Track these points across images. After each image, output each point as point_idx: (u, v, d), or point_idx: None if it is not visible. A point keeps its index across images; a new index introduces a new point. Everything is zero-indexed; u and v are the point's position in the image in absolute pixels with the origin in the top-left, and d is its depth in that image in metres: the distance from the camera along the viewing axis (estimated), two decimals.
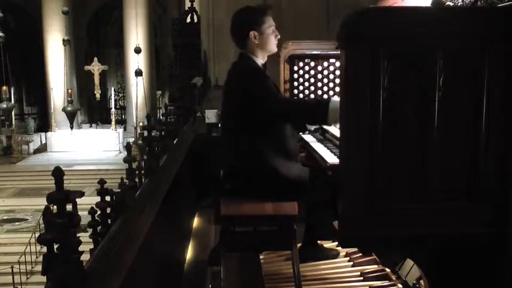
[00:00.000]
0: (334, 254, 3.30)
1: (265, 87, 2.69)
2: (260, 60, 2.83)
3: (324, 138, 2.98)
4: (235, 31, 2.84)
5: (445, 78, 1.78)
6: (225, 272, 2.92)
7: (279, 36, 2.85)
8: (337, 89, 3.39)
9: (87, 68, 20.31)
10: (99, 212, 2.61)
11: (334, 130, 2.90)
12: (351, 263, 3.28)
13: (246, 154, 2.78)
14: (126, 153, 3.39)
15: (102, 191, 2.70)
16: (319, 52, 3.42)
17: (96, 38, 25.54)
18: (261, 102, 2.66)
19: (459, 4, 2.19)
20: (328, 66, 3.42)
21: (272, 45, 2.83)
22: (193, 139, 6.55)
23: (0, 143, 19.44)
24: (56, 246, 1.88)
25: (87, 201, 2.73)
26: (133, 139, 16.79)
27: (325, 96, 3.44)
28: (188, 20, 13.77)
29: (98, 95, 20.12)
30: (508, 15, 1.78)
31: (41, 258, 2.01)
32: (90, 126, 22.38)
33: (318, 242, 3.30)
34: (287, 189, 2.74)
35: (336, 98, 2.59)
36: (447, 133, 1.81)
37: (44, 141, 19.87)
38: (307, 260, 3.14)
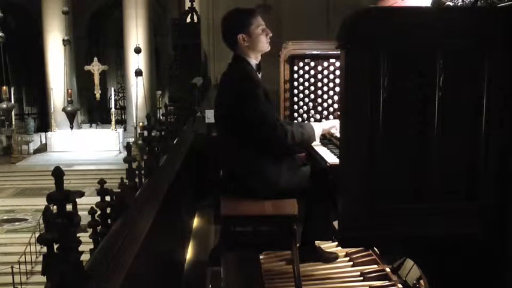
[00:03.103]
0: (332, 257, 3.27)
1: (255, 108, 2.67)
2: (253, 60, 2.84)
3: (324, 138, 2.98)
4: (224, 36, 2.86)
5: (445, 78, 1.78)
6: (225, 272, 2.92)
7: (270, 34, 2.84)
8: (337, 89, 3.39)
9: (87, 68, 20.32)
10: (99, 212, 2.61)
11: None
12: (351, 263, 3.28)
13: (245, 154, 2.78)
14: (126, 153, 3.39)
15: (102, 191, 2.71)
16: (319, 52, 3.41)
17: (96, 38, 25.53)
18: (250, 123, 2.69)
19: (459, 4, 2.19)
20: (328, 66, 3.41)
21: (263, 45, 2.82)
22: (193, 139, 6.55)
23: (0, 143, 19.43)
24: (56, 246, 1.88)
25: (87, 201, 2.73)
26: (133, 139, 16.78)
27: (325, 96, 3.44)
28: (188, 20, 13.77)
29: (98, 95, 20.13)
30: (508, 15, 1.78)
31: (41, 258, 2.01)
32: (90, 126, 22.39)
33: (316, 243, 3.29)
34: (286, 189, 2.75)
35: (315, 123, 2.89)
36: (447, 133, 1.81)
37: (44, 141, 19.87)
38: (305, 261, 3.13)
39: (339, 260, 3.32)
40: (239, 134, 2.75)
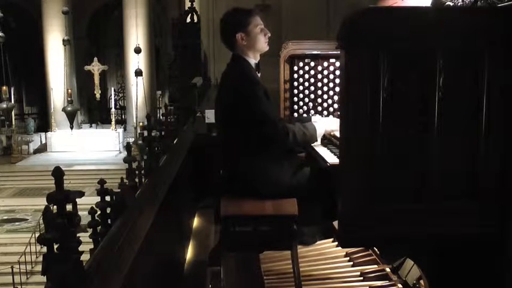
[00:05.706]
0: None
1: (255, 107, 2.68)
2: (252, 59, 2.84)
3: (324, 138, 2.98)
4: (223, 36, 2.87)
5: (445, 78, 1.78)
6: (225, 272, 2.92)
7: (269, 34, 2.84)
8: (337, 89, 3.39)
9: (87, 68, 20.29)
10: (99, 212, 2.61)
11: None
12: (351, 263, 3.28)
13: (245, 153, 2.78)
14: (126, 153, 3.39)
15: (102, 191, 2.70)
16: (319, 52, 3.41)
17: (96, 38, 25.51)
18: (251, 122, 2.68)
19: (459, 4, 2.19)
20: (328, 66, 3.41)
21: (261, 44, 2.83)
22: (193, 139, 6.55)
23: (0, 143, 19.41)
24: (56, 246, 1.88)
25: (87, 201, 2.73)
26: (133, 139, 16.77)
27: (325, 96, 3.44)
28: (188, 20, 13.74)
29: (98, 95, 20.10)
30: (508, 15, 1.78)
31: (41, 258, 2.01)
32: (90, 126, 22.36)
33: (317, 243, 3.29)
34: (287, 188, 2.75)
35: (317, 123, 2.85)
36: (447, 133, 1.81)
37: (44, 141, 19.83)
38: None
39: (339, 260, 3.32)
40: (240, 134, 2.75)
